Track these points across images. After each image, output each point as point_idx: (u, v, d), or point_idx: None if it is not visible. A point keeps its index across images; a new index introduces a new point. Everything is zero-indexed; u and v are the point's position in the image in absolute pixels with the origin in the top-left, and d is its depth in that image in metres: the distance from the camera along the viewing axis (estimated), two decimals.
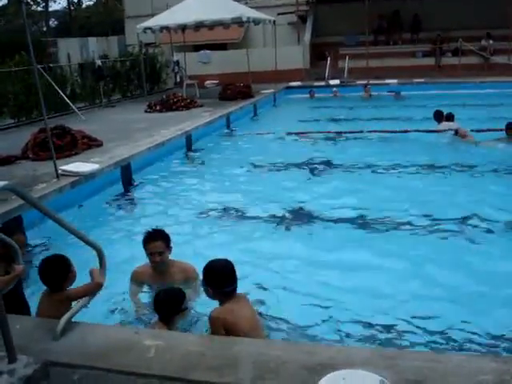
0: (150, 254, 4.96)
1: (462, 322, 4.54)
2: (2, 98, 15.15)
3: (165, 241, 4.98)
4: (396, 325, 4.60)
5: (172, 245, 5.08)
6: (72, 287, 4.15)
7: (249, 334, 3.70)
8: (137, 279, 5.17)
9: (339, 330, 4.55)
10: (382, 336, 4.45)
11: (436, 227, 6.91)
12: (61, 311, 3.81)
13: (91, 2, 61.35)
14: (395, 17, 26.86)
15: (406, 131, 13.05)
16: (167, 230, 6.33)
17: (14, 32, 32.59)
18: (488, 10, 22.84)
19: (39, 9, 56.60)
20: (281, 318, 4.60)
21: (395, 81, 20.74)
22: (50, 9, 57.63)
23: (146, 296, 5.14)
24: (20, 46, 18.19)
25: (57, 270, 4.13)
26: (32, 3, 53.54)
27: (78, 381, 3.08)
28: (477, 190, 8.37)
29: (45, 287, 4.21)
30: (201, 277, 4.28)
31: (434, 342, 4.34)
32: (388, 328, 4.57)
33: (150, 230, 5.06)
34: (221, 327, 3.73)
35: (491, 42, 24.10)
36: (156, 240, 4.93)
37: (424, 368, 2.99)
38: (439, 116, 12.66)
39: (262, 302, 4.91)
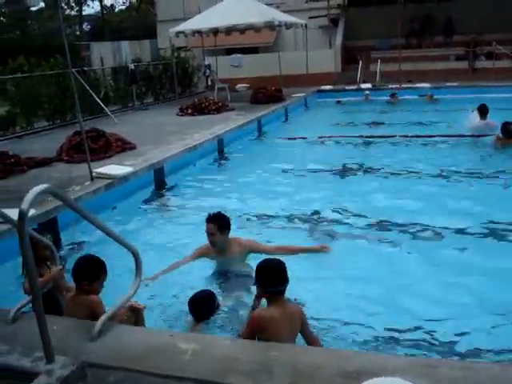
0: (206, 233, 5.62)
1: (498, 332, 4.48)
2: (37, 100, 15.39)
3: (217, 225, 5.56)
4: (433, 332, 4.55)
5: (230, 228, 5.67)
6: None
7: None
8: (199, 253, 5.84)
9: (375, 337, 4.51)
10: (419, 344, 4.40)
11: (476, 233, 6.82)
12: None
13: (124, 7, 62.06)
14: (428, 20, 26.61)
15: (437, 135, 12.91)
16: (198, 233, 6.34)
17: (47, 35, 33.09)
18: None
19: (73, 13, 57.50)
20: (316, 324, 4.57)
21: (427, 85, 20.53)
22: (84, 13, 58.55)
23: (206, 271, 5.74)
24: (53, 49, 18.53)
25: (88, 268, 4.06)
26: (66, 7, 54.36)
27: (115, 382, 3.11)
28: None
29: None
30: None
31: (470, 351, 4.28)
32: (424, 336, 4.51)
33: (211, 212, 5.69)
34: (255, 330, 3.71)
35: None
36: (209, 222, 5.58)
37: (460, 377, 2.96)
38: (482, 112, 12.35)
39: None
